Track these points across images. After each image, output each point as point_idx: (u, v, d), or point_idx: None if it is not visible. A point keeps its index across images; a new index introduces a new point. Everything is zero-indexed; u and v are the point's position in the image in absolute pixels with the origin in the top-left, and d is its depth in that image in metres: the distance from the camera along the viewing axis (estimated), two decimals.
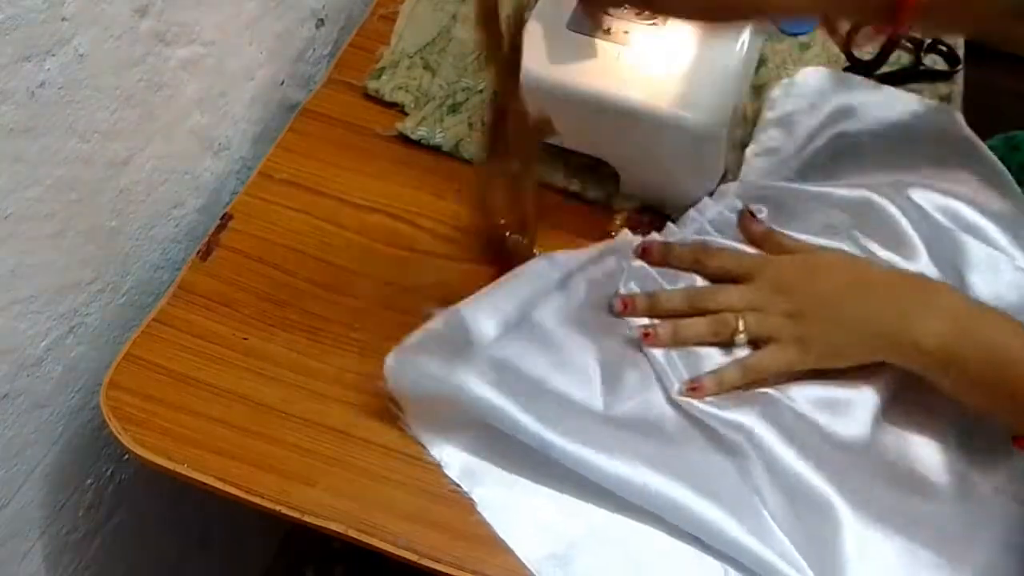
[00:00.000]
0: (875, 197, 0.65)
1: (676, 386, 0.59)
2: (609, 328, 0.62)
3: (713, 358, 0.61)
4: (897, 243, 0.63)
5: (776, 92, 0.74)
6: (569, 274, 0.64)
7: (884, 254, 0.63)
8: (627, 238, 0.68)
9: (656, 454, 0.55)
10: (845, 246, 0.64)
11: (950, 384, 0.55)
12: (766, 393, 0.59)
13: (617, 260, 0.66)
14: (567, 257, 0.64)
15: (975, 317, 0.55)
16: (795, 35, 0.80)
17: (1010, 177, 0.68)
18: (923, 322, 0.55)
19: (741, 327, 0.60)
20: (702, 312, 0.62)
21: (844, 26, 0.80)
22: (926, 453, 0.58)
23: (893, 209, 0.64)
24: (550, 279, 0.63)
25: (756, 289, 0.61)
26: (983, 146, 0.69)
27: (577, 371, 0.60)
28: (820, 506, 0.54)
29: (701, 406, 0.58)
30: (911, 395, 0.59)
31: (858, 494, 0.55)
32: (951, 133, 0.71)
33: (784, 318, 0.59)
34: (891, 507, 0.55)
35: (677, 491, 0.54)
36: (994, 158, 0.69)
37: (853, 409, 0.58)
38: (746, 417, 0.57)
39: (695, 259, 0.65)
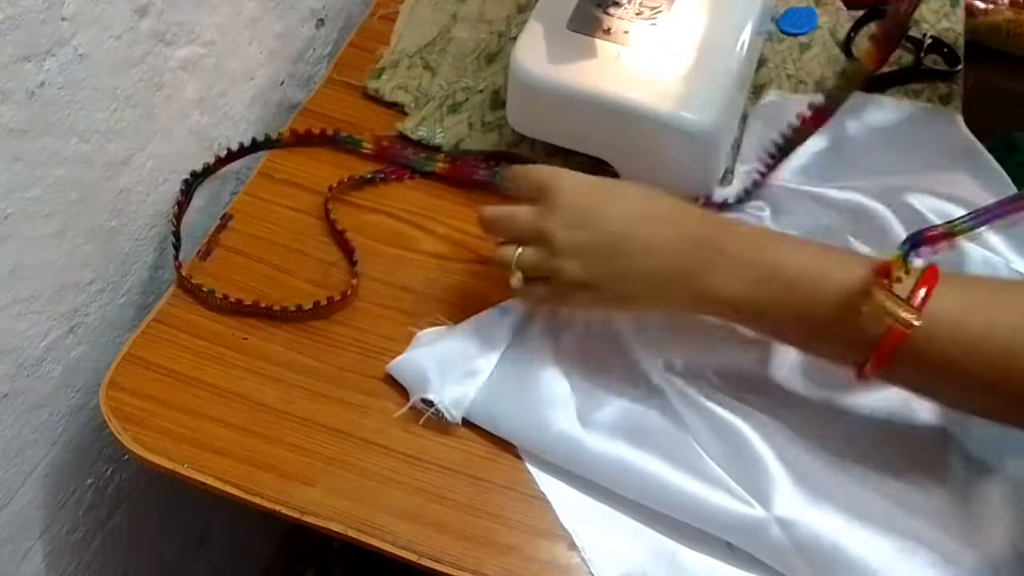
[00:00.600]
0: (869, 200, 0.65)
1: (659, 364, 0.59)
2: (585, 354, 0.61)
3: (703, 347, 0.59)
4: (891, 246, 0.63)
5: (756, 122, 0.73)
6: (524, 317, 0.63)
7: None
8: None
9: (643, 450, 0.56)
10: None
11: (765, 329, 0.54)
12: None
13: None
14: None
15: (770, 264, 0.51)
16: (795, 35, 0.80)
17: (1008, 179, 0.68)
18: (714, 280, 0.52)
19: (516, 266, 0.56)
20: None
21: (843, 29, 0.80)
22: (927, 447, 0.57)
23: (887, 212, 0.64)
24: (504, 328, 0.62)
25: (545, 215, 0.55)
26: (982, 148, 0.69)
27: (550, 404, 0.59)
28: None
29: (706, 401, 0.57)
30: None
31: (854, 491, 0.54)
32: (949, 136, 0.71)
33: (569, 259, 0.54)
34: (889, 502, 0.54)
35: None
36: (993, 160, 0.69)
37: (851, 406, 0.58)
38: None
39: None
